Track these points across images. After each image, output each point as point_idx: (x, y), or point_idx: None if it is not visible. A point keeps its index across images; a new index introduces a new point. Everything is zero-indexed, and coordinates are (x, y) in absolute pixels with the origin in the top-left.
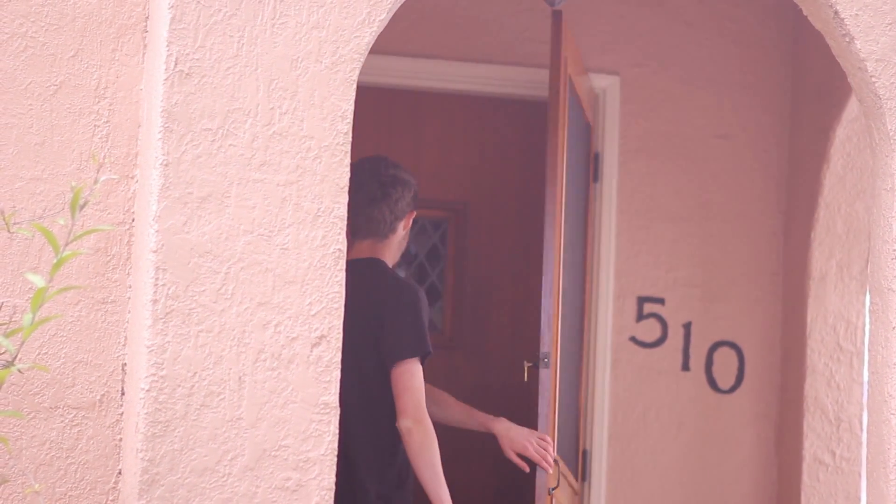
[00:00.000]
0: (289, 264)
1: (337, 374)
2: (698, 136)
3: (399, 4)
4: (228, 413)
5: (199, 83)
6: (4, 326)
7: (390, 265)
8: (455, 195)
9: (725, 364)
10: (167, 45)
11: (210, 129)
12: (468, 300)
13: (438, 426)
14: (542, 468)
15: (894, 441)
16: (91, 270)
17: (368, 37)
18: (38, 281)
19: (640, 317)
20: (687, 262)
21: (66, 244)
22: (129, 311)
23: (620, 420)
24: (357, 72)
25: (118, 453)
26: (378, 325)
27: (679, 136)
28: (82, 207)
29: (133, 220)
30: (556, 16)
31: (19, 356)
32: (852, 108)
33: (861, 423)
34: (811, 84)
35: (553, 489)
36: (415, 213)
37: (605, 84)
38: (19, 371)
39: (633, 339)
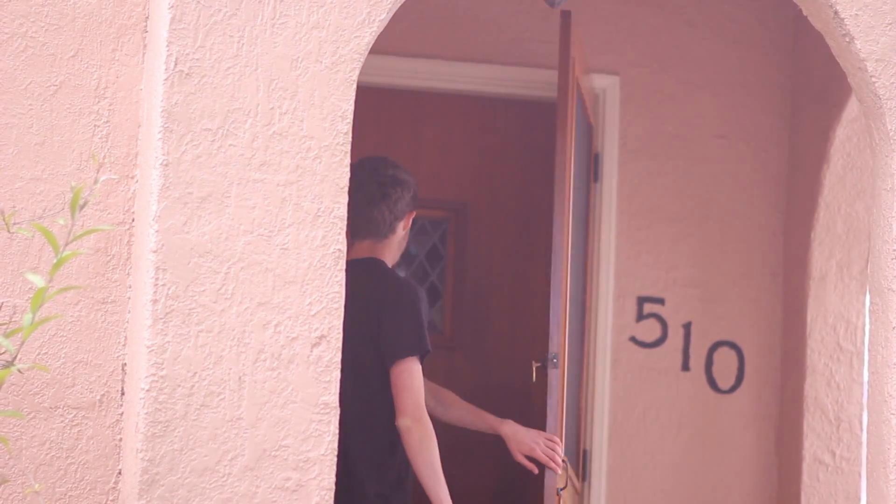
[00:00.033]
0: (289, 264)
1: (337, 374)
2: (698, 136)
3: (399, 4)
4: (228, 413)
5: (199, 83)
6: (4, 326)
7: (390, 265)
8: (455, 195)
9: (725, 364)
10: (167, 45)
11: (210, 129)
12: (468, 300)
13: (438, 425)
14: (551, 469)
15: (894, 441)
16: (91, 270)
17: (368, 37)
18: (37, 281)
19: (640, 317)
20: (687, 263)
21: (66, 244)
22: (129, 311)
23: (620, 420)
24: (357, 72)
25: (118, 453)
26: (377, 324)
27: (679, 136)
28: (82, 207)
29: (133, 220)
30: (565, 16)
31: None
32: (852, 108)
33: (861, 423)
34: (811, 84)
35: (562, 489)
36: (414, 214)
37: (605, 84)
38: (19, 371)
39: (633, 339)
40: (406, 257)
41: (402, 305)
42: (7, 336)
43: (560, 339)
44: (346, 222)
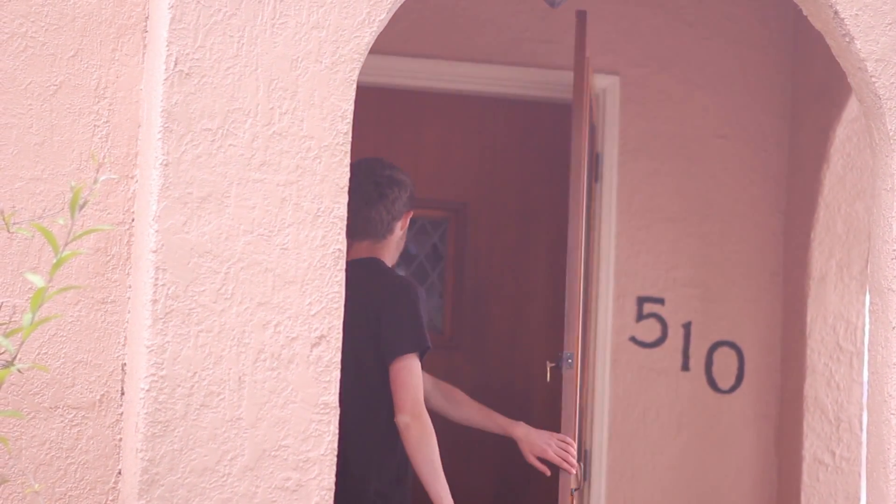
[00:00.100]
0: (289, 264)
1: (337, 374)
2: (698, 136)
3: (399, 4)
4: (228, 413)
5: (199, 83)
6: (4, 326)
7: (390, 265)
8: (455, 195)
9: (725, 364)
10: (167, 45)
11: (210, 129)
12: (468, 300)
13: (437, 424)
14: (565, 470)
15: (894, 441)
16: (91, 270)
17: (368, 37)
18: (37, 281)
19: (640, 317)
20: (687, 262)
21: (66, 244)
22: (129, 311)
23: (620, 420)
24: (357, 72)
25: (118, 453)
26: (376, 321)
27: (679, 136)
28: (82, 207)
29: (133, 220)
30: (581, 16)
31: (19, 356)
32: (852, 108)
33: (861, 423)
34: (811, 84)
35: (575, 490)
36: (412, 213)
37: (605, 84)
38: (19, 371)
39: (633, 339)
40: (406, 257)
41: (400, 303)
42: (7, 336)
43: (575, 340)
44: (346, 222)
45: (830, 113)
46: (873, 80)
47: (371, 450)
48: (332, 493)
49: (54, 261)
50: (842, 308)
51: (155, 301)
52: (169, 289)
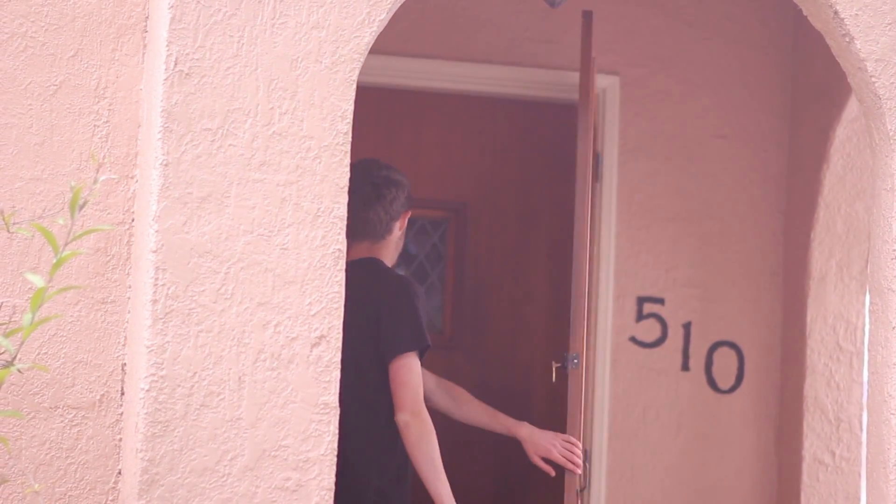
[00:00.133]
0: (289, 264)
1: (337, 374)
2: (698, 136)
3: (399, 4)
4: (228, 413)
5: (199, 83)
6: (4, 326)
7: (389, 265)
8: (455, 195)
9: (725, 364)
10: (167, 45)
11: (210, 129)
12: (468, 300)
13: (438, 424)
14: (570, 470)
15: (894, 441)
16: (91, 270)
17: (368, 37)
18: (37, 281)
19: (640, 317)
20: (687, 262)
21: (66, 244)
22: (129, 311)
23: (620, 420)
24: (357, 72)
25: (118, 453)
26: (375, 321)
27: (679, 136)
28: (82, 207)
29: (133, 220)
30: (587, 17)
31: (19, 356)
32: (852, 108)
33: (861, 423)
34: (811, 84)
35: (581, 490)
36: (410, 213)
37: (605, 84)
38: (19, 371)
39: (632, 339)
40: (406, 257)
41: (399, 302)
42: (7, 336)
43: (580, 340)
44: (346, 222)
45: (830, 113)
46: (873, 80)
47: (371, 449)
48: (332, 494)
49: (54, 261)
50: (842, 308)
51: (155, 301)
52: (169, 289)
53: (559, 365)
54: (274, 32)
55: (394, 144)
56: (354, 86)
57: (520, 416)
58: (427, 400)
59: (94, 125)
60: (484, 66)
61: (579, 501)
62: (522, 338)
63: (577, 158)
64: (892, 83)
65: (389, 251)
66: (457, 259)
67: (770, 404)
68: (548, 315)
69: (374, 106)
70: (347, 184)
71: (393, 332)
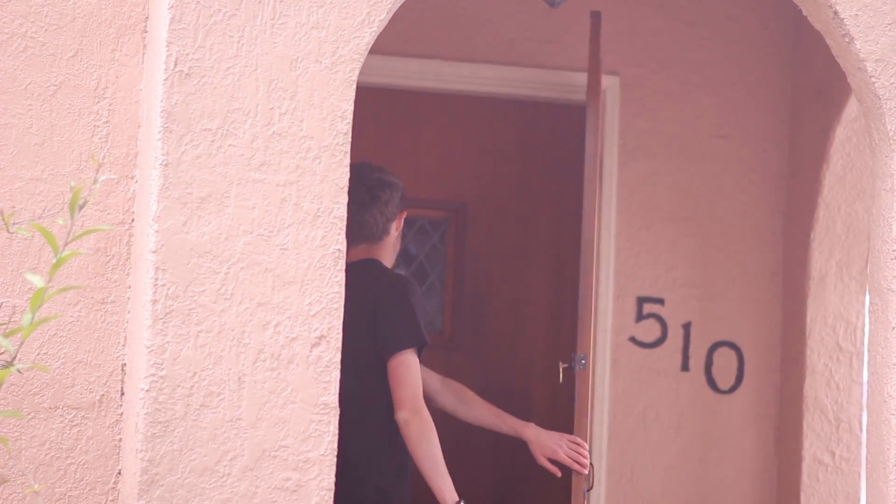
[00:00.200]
0: (288, 264)
1: (336, 374)
2: (698, 136)
3: (399, 4)
4: (228, 413)
5: (199, 83)
6: (4, 326)
7: (388, 266)
8: (455, 195)
9: (725, 364)
10: (167, 46)
11: (210, 130)
12: (468, 300)
13: (438, 424)
14: (576, 471)
15: (894, 441)
16: (91, 270)
17: (368, 37)
18: (37, 281)
19: (640, 317)
20: (687, 262)
21: (66, 244)
22: (129, 312)
23: (620, 420)
24: (357, 72)
25: (118, 453)
26: (373, 319)
27: (679, 136)
28: (82, 207)
29: (133, 220)
30: (595, 17)
31: (19, 356)
32: (852, 108)
33: (861, 423)
34: (811, 84)
35: (588, 490)
36: (405, 214)
37: (605, 84)
38: (19, 371)
39: (632, 339)
40: (406, 257)
41: (395, 299)
42: (7, 336)
43: (588, 341)
44: (345, 222)
45: (830, 113)
46: (873, 80)
47: (371, 447)
48: (332, 494)
49: (54, 261)
50: (841, 308)
51: (155, 301)
52: (169, 289)
53: (566, 366)
54: (274, 33)
55: (394, 145)
56: (354, 86)
57: (520, 416)
58: (433, 400)
59: (94, 125)
60: (484, 66)
61: (587, 502)
62: (522, 338)
63: (585, 159)
64: (892, 83)
65: (387, 252)
66: (457, 259)
67: (770, 404)
68: (548, 315)
69: (374, 106)
70: (347, 184)
71: (390, 329)
